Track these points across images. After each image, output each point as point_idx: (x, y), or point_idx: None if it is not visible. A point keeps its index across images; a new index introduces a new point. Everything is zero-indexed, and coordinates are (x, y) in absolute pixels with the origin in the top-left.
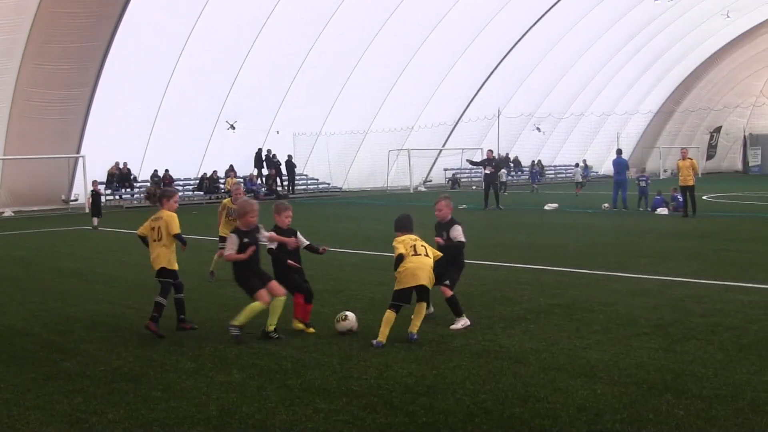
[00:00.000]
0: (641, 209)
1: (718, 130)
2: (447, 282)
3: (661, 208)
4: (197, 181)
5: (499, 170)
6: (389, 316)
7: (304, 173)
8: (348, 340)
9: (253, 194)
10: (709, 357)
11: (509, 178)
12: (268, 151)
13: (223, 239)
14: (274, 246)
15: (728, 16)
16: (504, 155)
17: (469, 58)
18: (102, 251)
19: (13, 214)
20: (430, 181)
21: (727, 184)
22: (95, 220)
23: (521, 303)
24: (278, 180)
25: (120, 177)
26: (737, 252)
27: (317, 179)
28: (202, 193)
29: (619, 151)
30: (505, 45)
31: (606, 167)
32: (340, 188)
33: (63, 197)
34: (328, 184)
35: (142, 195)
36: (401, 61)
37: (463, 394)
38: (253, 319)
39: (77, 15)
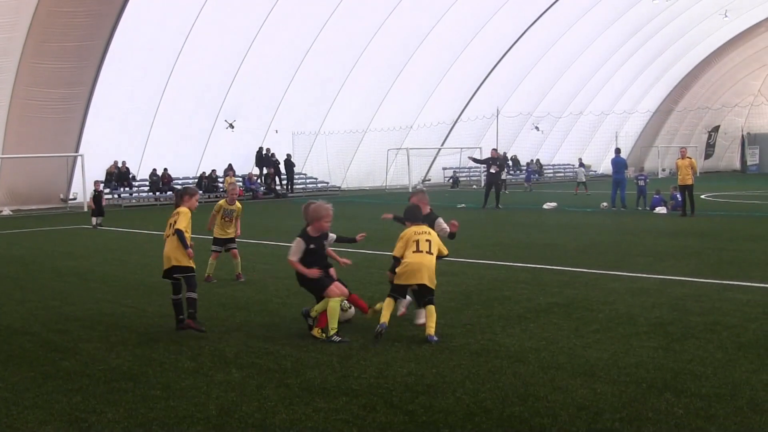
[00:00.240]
0: (640, 208)
1: (716, 129)
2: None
3: (659, 207)
4: (196, 180)
5: (503, 169)
6: (389, 301)
7: (303, 172)
8: (347, 338)
9: (252, 193)
10: (708, 356)
11: (508, 176)
12: (267, 150)
13: (217, 241)
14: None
15: (726, 16)
16: (502, 154)
17: (468, 57)
18: (101, 250)
19: (11, 213)
20: (429, 180)
21: (725, 183)
22: (94, 219)
23: (520, 302)
24: (277, 179)
25: (119, 176)
26: (736, 251)
27: (316, 178)
28: (201, 191)
29: (617, 150)
30: (503, 44)
31: (605, 166)
32: (339, 187)
33: (61, 196)
34: (327, 183)
35: (141, 194)
36: (400, 60)
37: (463, 393)
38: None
39: (76, 14)
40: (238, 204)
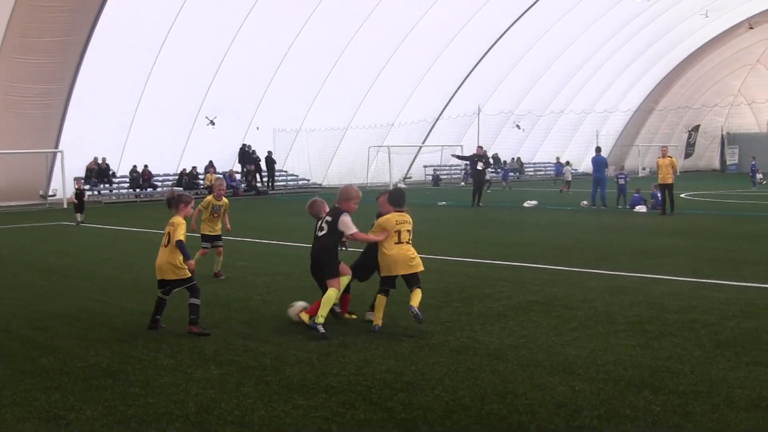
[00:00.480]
0: (620, 207)
1: (696, 128)
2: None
3: (639, 206)
4: (177, 177)
5: (489, 167)
6: (380, 300)
7: (284, 169)
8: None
9: (233, 190)
10: (685, 353)
11: (492, 175)
12: (248, 146)
13: (205, 237)
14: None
15: (707, 16)
16: (484, 152)
17: (450, 55)
18: (81, 247)
19: None
20: (410, 177)
21: (704, 182)
22: (78, 216)
23: (500, 300)
24: (258, 176)
25: (99, 172)
26: (714, 249)
27: (297, 175)
28: (181, 189)
29: (598, 149)
30: (485, 42)
31: (585, 165)
32: (320, 184)
33: (41, 192)
34: (308, 180)
35: (121, 191)
36: (382, 58)
37: (442, 391)
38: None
39: (56, 9)
40: (225, 199)
